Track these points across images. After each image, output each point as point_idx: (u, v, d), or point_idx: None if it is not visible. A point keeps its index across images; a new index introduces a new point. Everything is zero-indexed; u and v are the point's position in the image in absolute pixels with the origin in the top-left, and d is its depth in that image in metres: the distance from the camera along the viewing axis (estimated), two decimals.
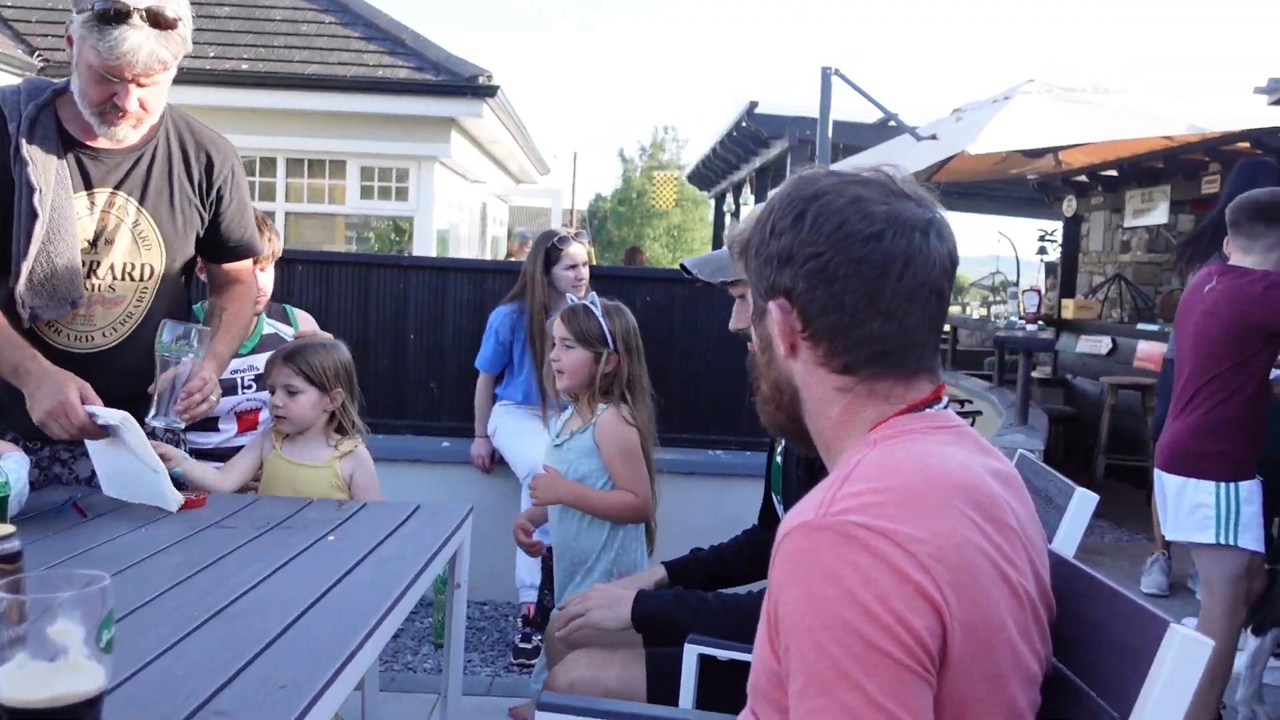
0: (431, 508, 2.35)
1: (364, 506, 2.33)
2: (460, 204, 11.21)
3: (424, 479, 4.40)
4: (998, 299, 10.23)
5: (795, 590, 1.04)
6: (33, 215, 2.13)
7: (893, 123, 8.72)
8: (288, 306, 3.10)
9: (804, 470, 1.95)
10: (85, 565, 1.74)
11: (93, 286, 2.26)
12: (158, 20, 2.00)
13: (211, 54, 8.96)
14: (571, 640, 2.16)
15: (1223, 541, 2.93)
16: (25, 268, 2.14)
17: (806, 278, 1.16)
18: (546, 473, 2.62)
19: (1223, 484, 2.93)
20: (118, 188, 2.24)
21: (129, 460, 2.10)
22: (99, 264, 2.26)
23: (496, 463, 4.26)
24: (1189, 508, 2.98)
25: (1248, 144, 6.58)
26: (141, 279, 2.31)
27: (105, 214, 2.24)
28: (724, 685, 1.89)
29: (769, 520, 2.27)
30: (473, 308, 4.63)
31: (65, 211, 2.17)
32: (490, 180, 12.42)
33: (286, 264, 4.75)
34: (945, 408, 1.22)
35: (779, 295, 1.19)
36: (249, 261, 2.57)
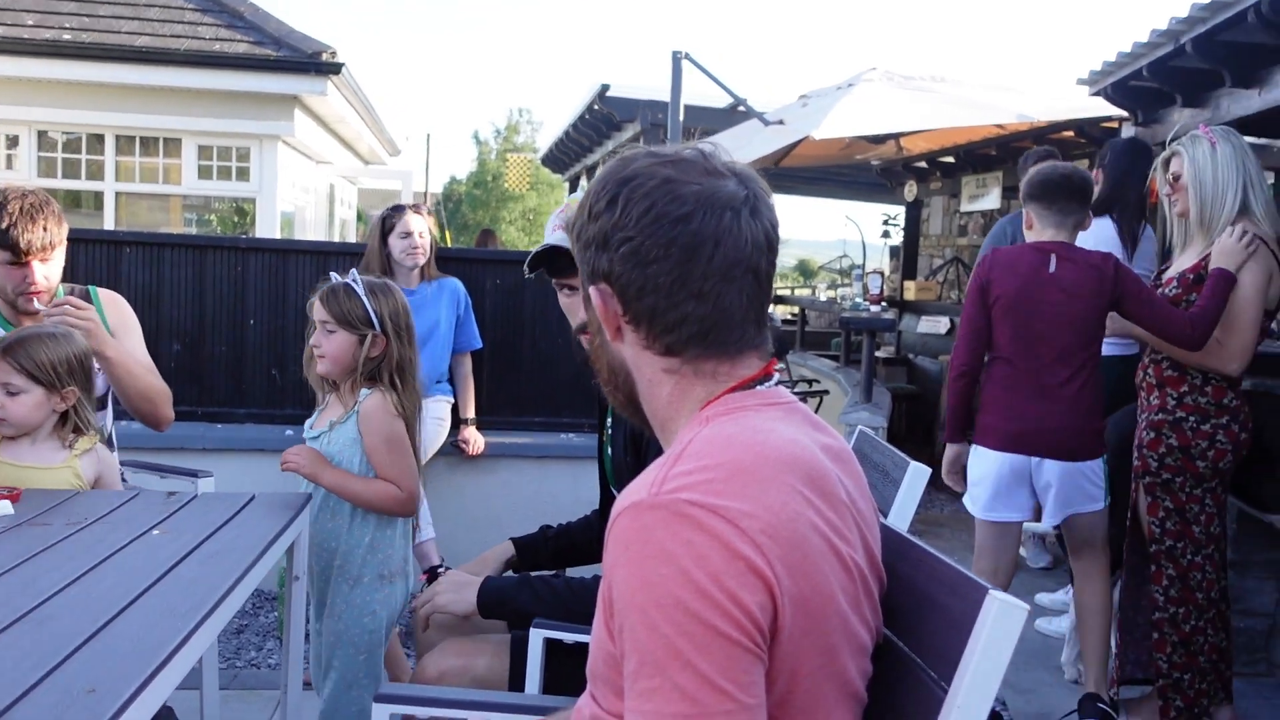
0: (268, 497, 2.26)
1: (195, 497, 2.22)
2: (306, 185, 10.84)
3: (266, 468, 4.23)
4: (844, 281, 10.52)
5: (628, 570, 1.03)
6: None
7: (741, 108, 8.85)
8: (91, 288, 2.87)
9: (631, 455, 1.95)
10: None
11: None
12: None
13: (30, 22, 8.38)
14: (434, 630, 2.11)
15: (1105, 505, 3.07)
16: None
17: (622, 261, 1.15)
18: (308, 450, 2.43)
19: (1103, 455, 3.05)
20: None
21: None
22: None
23: None
24: (1081, 486, 3.00)
25: (1072, 132, 6.94)
26: None
27: None
28: (573, 669, 1.88)
29: (606, 505, 2.27)
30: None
31: None
32: (337, 161, 12.04)
33: (114, 245, 4.51)
34: (776, 384, 1.23)
35: (599, 280, 1.18)
36: None
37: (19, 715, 1.12)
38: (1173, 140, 3.06)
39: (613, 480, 2.15)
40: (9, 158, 8.95)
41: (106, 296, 2.88)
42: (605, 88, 9.98)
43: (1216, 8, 3.61)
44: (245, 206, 9.74)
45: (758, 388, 1.20)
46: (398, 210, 4.16)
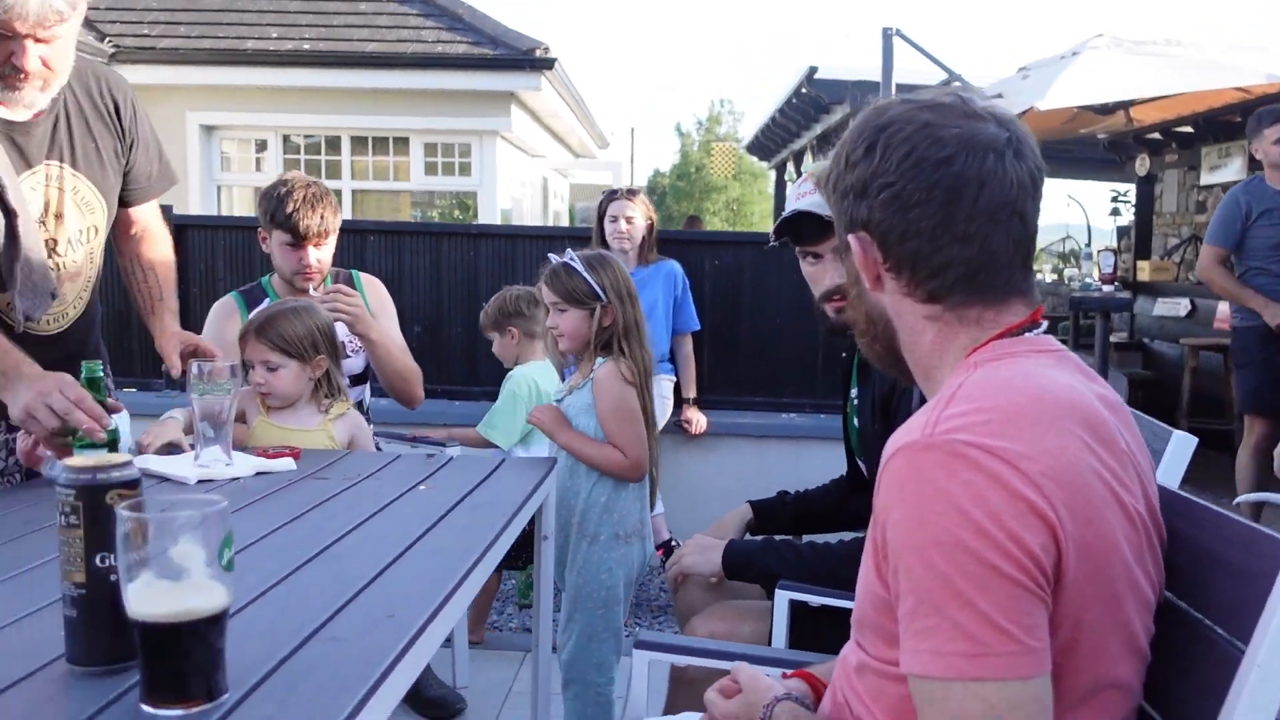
0: (516, 460, 2.38)
1: (452, 459, 2.36)
2: (522, 179, 11.26)
3: None
4: (1069, 264, 10.02)
5: (904, 511, 1.03)
6: (11, 213, 2.02)
7: (957, 83, 8.56)
8: (354, 272, 3.09)
9: (880, 422, 1.93)
10: None
11: (58, 265, 2.18)
12: None
13: (274, 35, 9.08)
14: (695, 589, 2.17)
15: None
16: (18, 272, 2.04)
17: (882, 207, 1.15)
18: (552, 409, 2.55)
19: None
20: (49, 158, 2.12)
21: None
22: (57, 241, 2.17)
23: None
24: None
25: None
26: (89, 243, 2.24)
27: (47, 189, 2.13)
28: (819, 630, 1.89)
29: (857, 485, 2.25)
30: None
31: (22, 202, 2.05)
32: (550, 154, 12.44)
33: (358, 234, 4.83)
34: (1044, 332, 1.20)
35: (858, 228, 1.18)
36: (157, 203, 2.45)
37: (331, 631, 1.23)
38: None
39: (859, 450, 2.13)
40: (258, 160, 9.71)
41: (367, 280, 3.10)
42: (813, 70, 9.85)
43: None
44: (467, 200, 10.21)
45: (1025, 335, 1.17)
46: (610, 196, 4.31)
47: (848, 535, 2.07)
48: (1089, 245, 10.16)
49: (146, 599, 0.98)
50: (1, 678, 1.08)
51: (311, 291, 2.83)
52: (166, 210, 4.65)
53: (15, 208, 2.00)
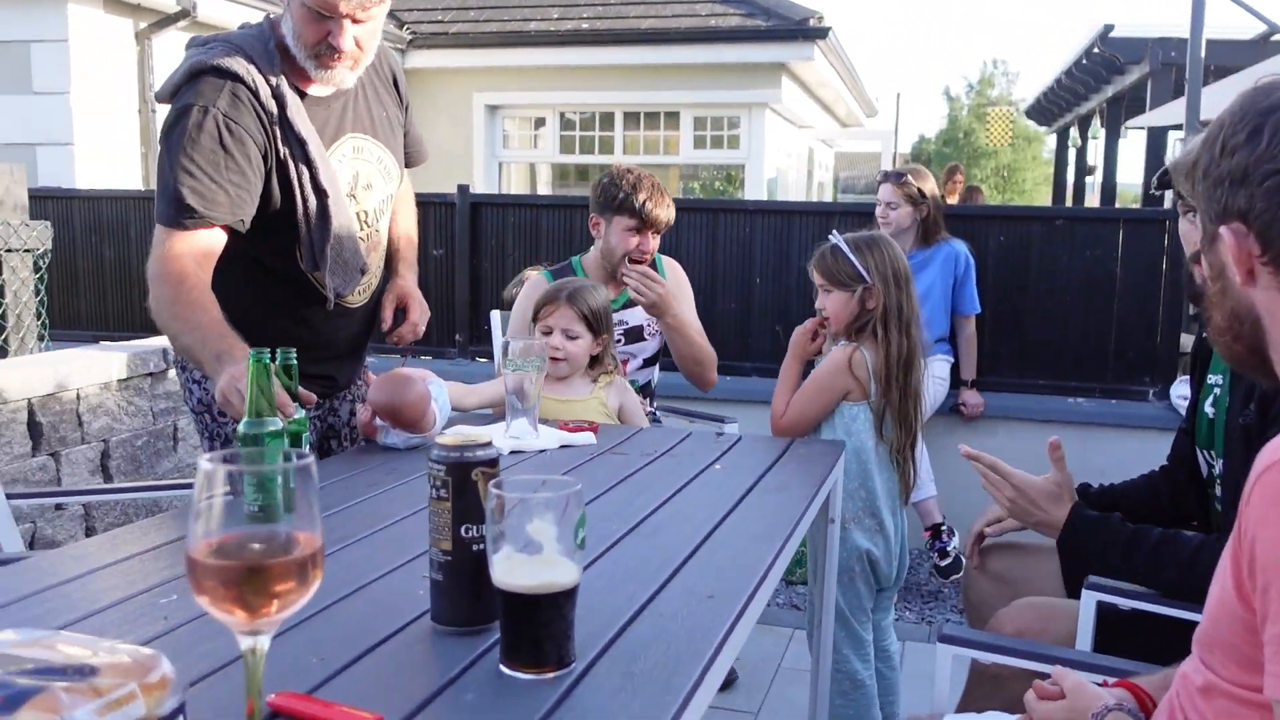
0: (803, 443, 2.39)
1: (740, 439, 2.40)
2: (788, 150, 11.19)
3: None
4: None
5: (1278, 529, 0.97)
6: (322, 193, 2.09)
7: (1277, 36, 7.74)
8: (658, 255, 3.18)
9: (1257, 418, 1.75)
10: None
11: (367, 237, 2.24)
12: None
13: (555, 15, 9.44)
14: (982, 589, 2.12)
15: None
16: (328, 252, 2.11)
17: (1265, 197, 1.06)
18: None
19: None
20: (353, 130, 2.19)
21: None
22: (368, 214, 2.23)
23: None
24: None
25: None
26: (390, 211, 2.33)
27: (355, 160, 2.19)
28: (1123, 637, 1.80)
29: (1189, 477, 2.09)
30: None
31: (333, 179, 2.11)
32: (817, 124, 12.29)
33: None
34: None
35: (1233, 218, 1.10)
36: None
37: (658, 608, 1.30)
38: None
39: (1209, 443, 1.96)
40: (535, 137, 10.16)
41: (669, 264, 3.22)
42: (1109, 28, 9.21)
43: None
44: (732, 173, 10.26)
45: None
46: (883, 177, 4.26)
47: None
48: None
49: (510, 570, 1.07)
50: (375, 630, 1.22)
51: (621, 275, 2.95)
52: (464, 189, 5.01)
53: (326, 187, 2.09)
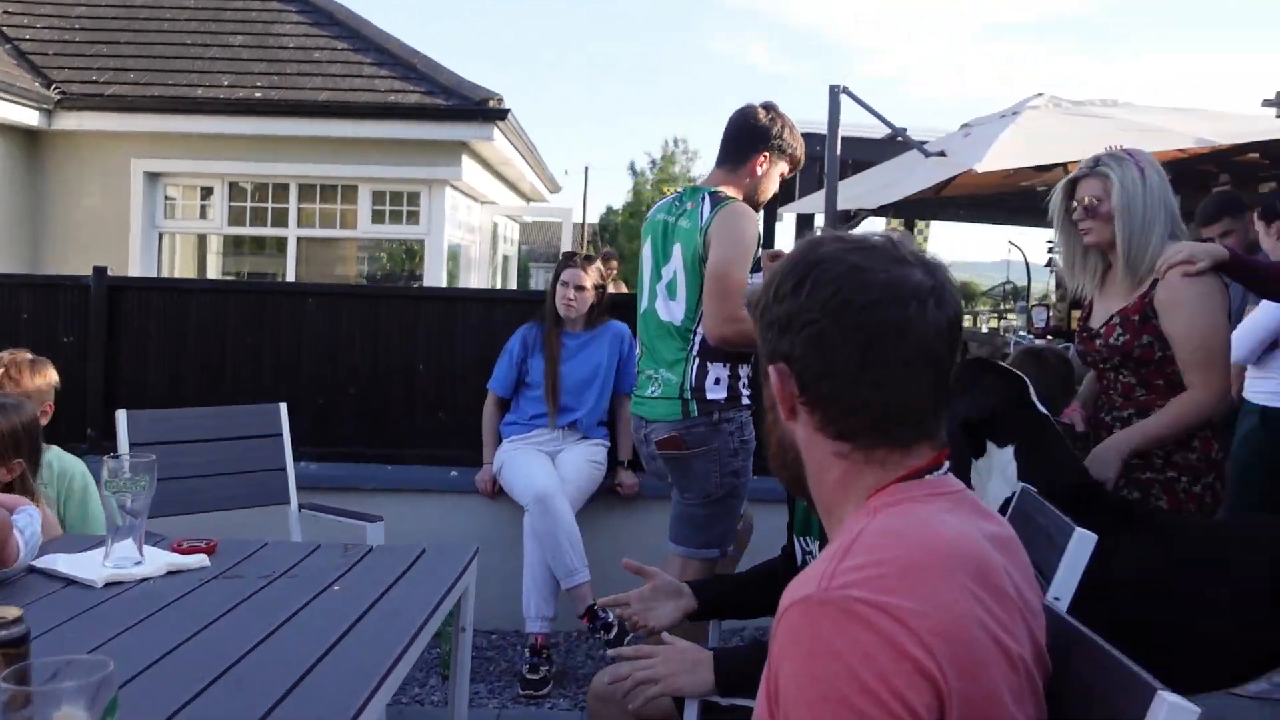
0: (437, 550, 2.37)
1: (370, 551, 2.35)
2: (471, 224, 11.25)
3: (432, 508, 4.43)
4: (1008, 307, 10.17)
5: (795, 665, 1.05)
6: None
7: (900, 138, 8.70)
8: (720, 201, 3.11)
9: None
10: (94, 623, 1.77)
11: None
12: None
13: (225, 83, 9.03)
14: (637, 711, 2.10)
15: None
16: None
17: (804, 345, 1.18)
18: None
19: None
20: None
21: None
22: None
23: (499, 492, 4.27)
24: None
25: (1257, 155, 6.56)
26: None
27: None
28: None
29: (789, 562, 2.24)
30: (483, 336, 4.63)
31: None
32: (501, 200, 12.46)
33: (299, 296, 4.81)
34: (945, 473, 1.23)
35: (779, 359, 1.21)
36: None
37: None
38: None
39: (812, 529, 2.09)
40: (203, 208, 9.64)
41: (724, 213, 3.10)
42: None
43: None
44: (414, 247, 10.18)
45: (927, 477, 1.20)
46: (568, 260, 4.32)
47: None
48: (1027, 289, 10.32)
49: None
50: None
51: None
52: (101, 271, 4.63)
53: None
